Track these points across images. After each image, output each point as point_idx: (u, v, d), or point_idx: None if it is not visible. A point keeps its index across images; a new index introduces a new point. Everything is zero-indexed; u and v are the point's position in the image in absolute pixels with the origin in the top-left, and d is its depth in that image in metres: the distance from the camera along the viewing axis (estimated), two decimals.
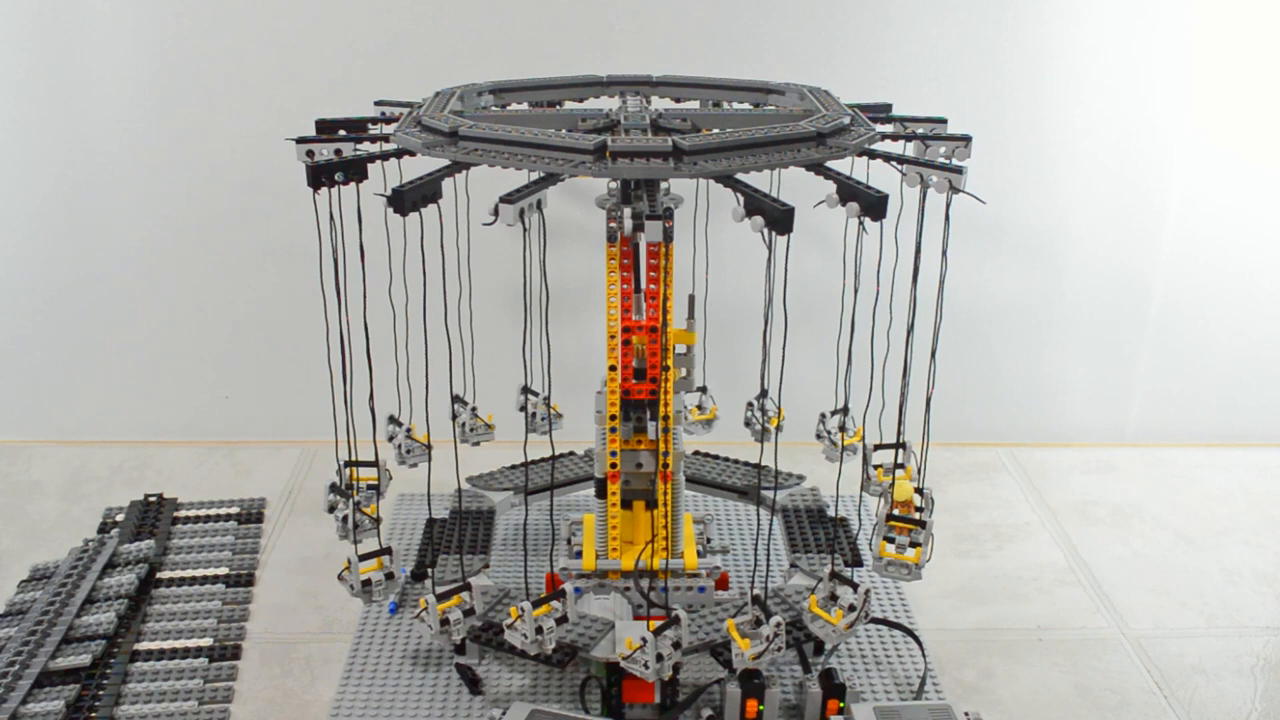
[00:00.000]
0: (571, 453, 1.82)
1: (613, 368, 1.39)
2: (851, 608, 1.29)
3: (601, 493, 1.46)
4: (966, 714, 1.32)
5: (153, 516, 1.84)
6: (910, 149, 1.33)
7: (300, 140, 1.27)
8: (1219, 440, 2.16)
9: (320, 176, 1.20)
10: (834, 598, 1.34)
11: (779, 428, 1.60)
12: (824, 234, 1.64)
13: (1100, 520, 1.90)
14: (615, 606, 1.45)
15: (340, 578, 1.42)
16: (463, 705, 1.43)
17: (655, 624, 1.26)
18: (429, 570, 1.55)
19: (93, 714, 1.40)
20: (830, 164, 1.19)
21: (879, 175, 1.22)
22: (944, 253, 1.27)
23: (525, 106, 1.54)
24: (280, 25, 1.86)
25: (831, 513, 1.68)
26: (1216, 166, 1.98)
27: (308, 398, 1.94)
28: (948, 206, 1.24)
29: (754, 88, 1.51)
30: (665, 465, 1.42)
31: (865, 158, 1.24)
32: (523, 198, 1.11)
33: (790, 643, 1.32)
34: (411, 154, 1.24)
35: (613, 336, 1.38)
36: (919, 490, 1.42)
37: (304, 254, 1.37)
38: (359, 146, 1.28)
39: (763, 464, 1.72)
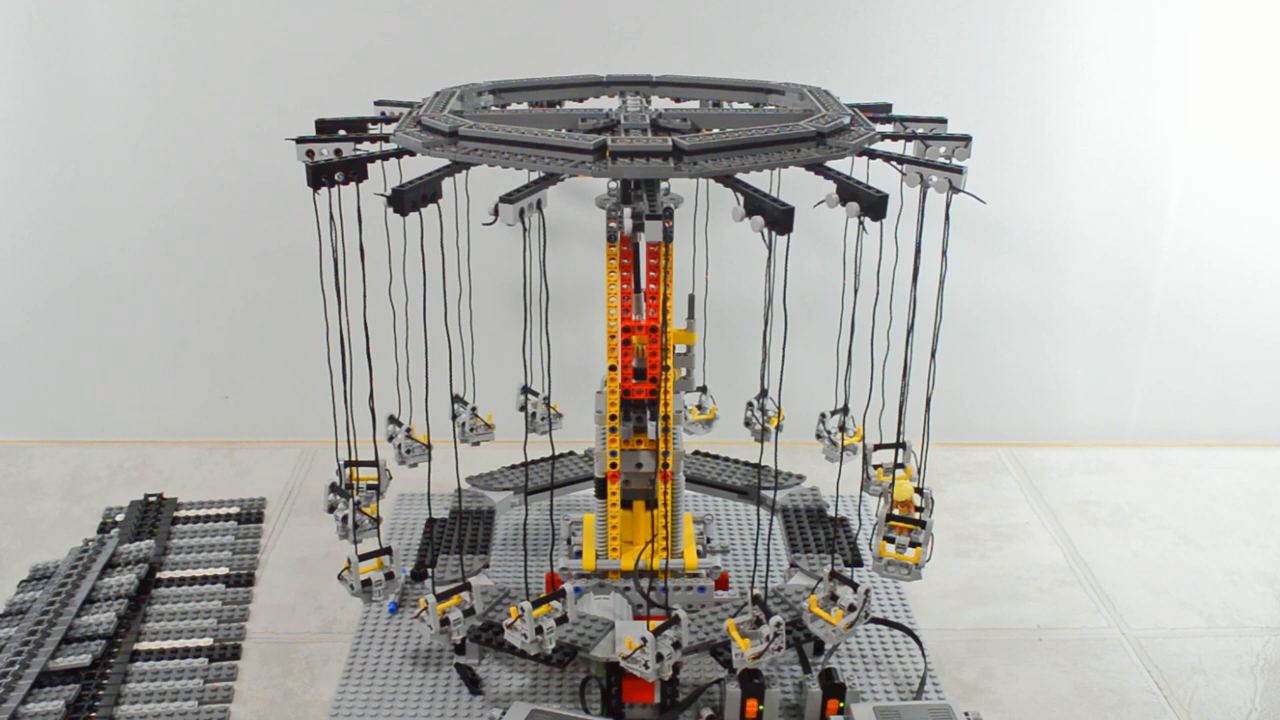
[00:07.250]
0: (571, 453, 1.82)
1: (613, 368, 1.39)
2: (851, 608, 1.29)
3: (601, 493, 1.46)
4: (966, 714, 1.32)
5: (153, 516, 1.84)
6: (910, 149, 1.33)
7: (300, 140, 1.27)
8: (1219, 440, 2.16)
9: (320, 176, 1.20)
10: (834, 598, 1.34)
11: (779, 428, 1.60)
12: (824, 234, 1.64)
13: (1100, 520, 1.90)
14: (615, 606, 1.45)
15: (340, 578, 1.42)
16: (463, 705, 1.43)
17: (655, 624, 1.26)
18: (429, 570, 1.55)
19: (93, 714, 1.40)
20: (830, 164, 1.19)
21: (879, 175, 1.22)
22: (944, 253, 1.27)
23: (525, 106, 1.54)
24: (280, 25, 1.86)
25: (831, 513, 1.68)
26: (1216, 166, 1.98)
27: (307, 398, 1.94)
28: (948, 206, 1.24)
29: (754, 88, 1.51)
30: (665, 465, 1.42)
31: (865, 158, 1.24)
32: (523, 198, 1.11)
33: (790, 643, 1.31)
34: (411, 154, 1.24)
35: (613, 336, 1.38)
36: (919, 490, 1.42)
37: (304, 254, 1.37)
38: (359, 146, 1.28)
39: (763, 464, 1.72)
